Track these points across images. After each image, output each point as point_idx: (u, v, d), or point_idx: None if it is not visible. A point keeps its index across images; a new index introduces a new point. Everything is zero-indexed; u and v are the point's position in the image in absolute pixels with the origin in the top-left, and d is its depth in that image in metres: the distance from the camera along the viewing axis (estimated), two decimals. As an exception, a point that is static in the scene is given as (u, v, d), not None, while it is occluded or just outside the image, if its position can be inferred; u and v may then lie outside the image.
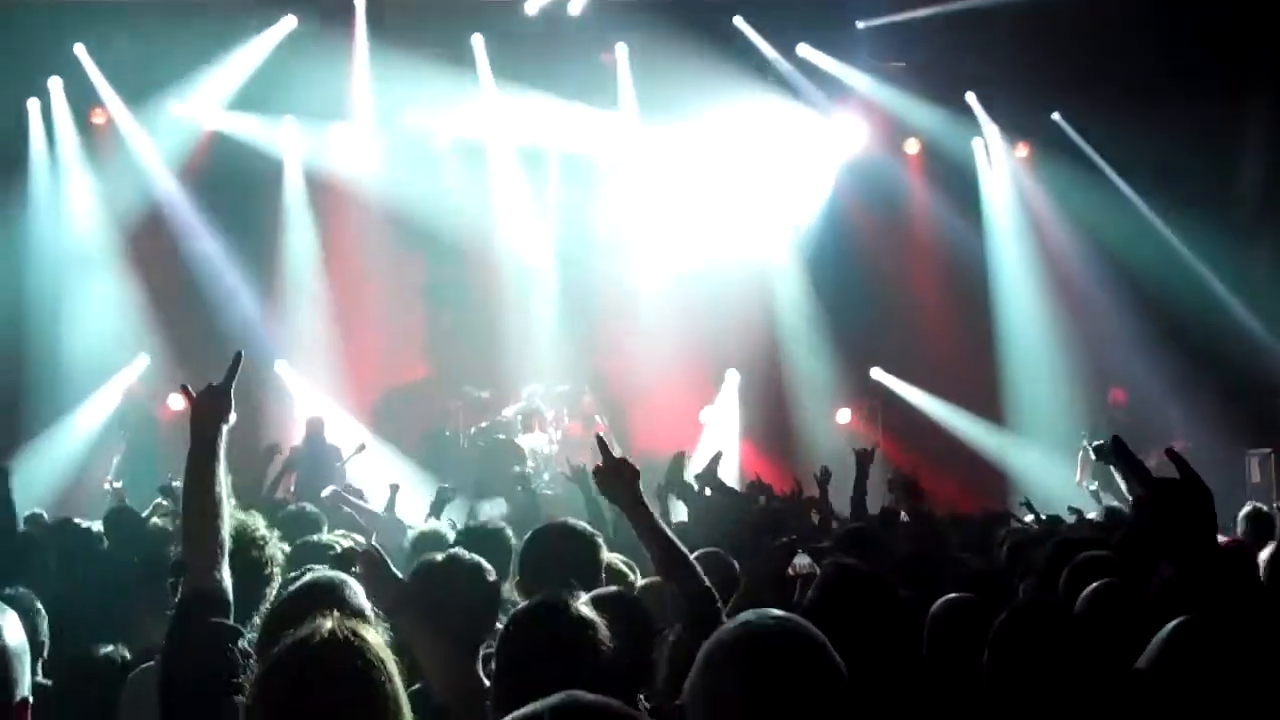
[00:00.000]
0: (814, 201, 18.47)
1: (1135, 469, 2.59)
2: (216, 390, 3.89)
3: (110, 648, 5.07)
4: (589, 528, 5.09)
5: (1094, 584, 4.27)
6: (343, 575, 3.93)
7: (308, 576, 3.73)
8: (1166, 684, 3.09)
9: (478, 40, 17.06)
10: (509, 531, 5.62)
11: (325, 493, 10.57)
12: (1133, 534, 5.79)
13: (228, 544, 3.72)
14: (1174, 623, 3.20)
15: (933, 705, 3.70)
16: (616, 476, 4.36)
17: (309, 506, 7.44)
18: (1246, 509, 8.54)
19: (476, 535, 5.59)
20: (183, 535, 3.80)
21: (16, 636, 2.53)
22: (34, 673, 4.34)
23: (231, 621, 3.60)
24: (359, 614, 3.49)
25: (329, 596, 3.54)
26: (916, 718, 3.50)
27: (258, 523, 4.44)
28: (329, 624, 2.60)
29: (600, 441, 4.50)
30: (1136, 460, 2.60)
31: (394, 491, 10.49)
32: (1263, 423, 15.93)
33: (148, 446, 14.84)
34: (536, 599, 3.41)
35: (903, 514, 7.04)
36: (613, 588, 4.35)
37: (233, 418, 3.89)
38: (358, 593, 3.74)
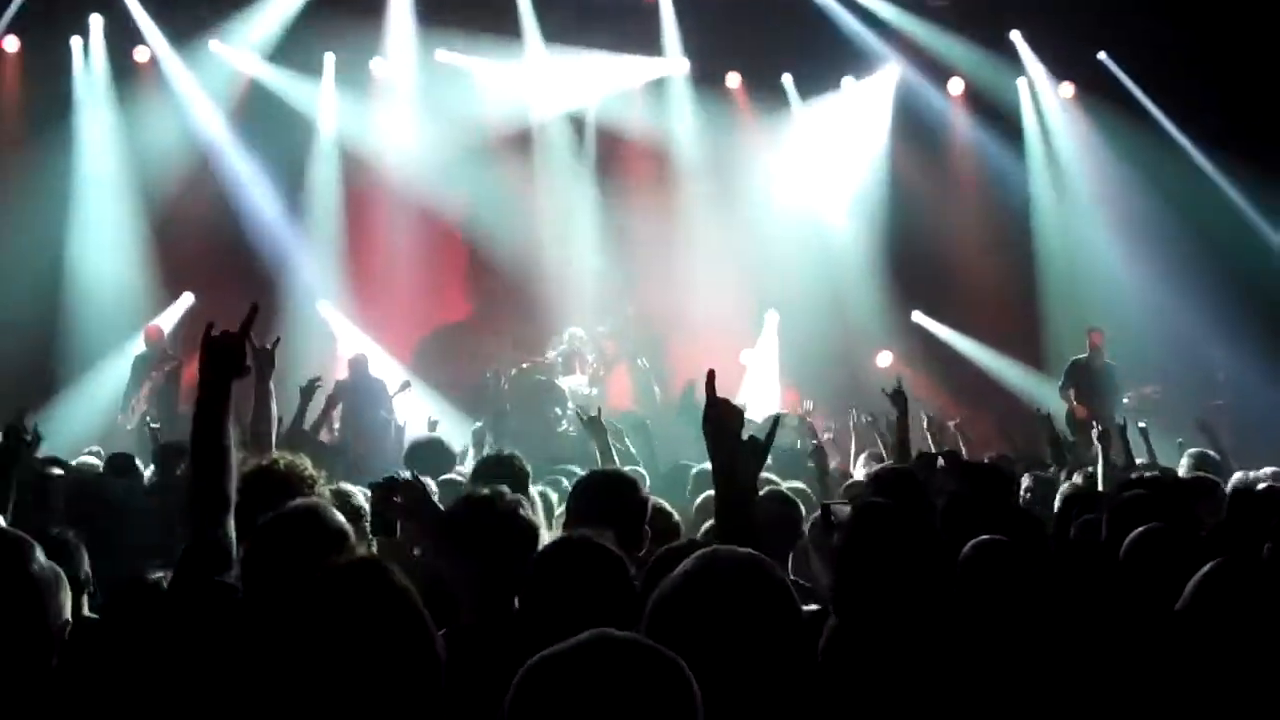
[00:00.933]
0: (861, 145, 18.33)
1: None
2: (230, 339, 3.73)
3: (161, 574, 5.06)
4: (632, 474, 5.16)
5: (1139, 528, 4.24)
6: (317, 501, 3.86)
7: (285, 507, 3.69)
8: (1201, 626, 3.10)
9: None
10: (520, 458, 5.76)
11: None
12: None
13: (234, 497, 3.64)
14: (1209, 565, 3.20)
15: (963, 643, 3.72)
16: (726, 420, 3.99)
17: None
18: None
19: (492, 462, 5.72)
20: (188, 486, 3.71)
21: (43, 566, 2.59)
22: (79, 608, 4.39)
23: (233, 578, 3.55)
24: (341, 534, 3.51)
25: (308, 520, 3.54)
26: (946, 655, 3.52)
27: (305, 463, 4.44)
28: (354, 553, 2.63)
29: (709, 381, 4.10)
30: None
31: (433, 428, 10.65)
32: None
33: (166, 390, 14.87)
34: (563, 536, 3.44)
35: (940, 460, 6.99)
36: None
37: (247, 368, 3.76)
38: (336, 515, 3.68)
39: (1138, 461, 9.25)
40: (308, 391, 8.64)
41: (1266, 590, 3.09)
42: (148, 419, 13.09)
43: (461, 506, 4.15)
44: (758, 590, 2.51)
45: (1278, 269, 16.55)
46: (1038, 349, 17.57)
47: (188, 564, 3.56)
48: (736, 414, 4.00)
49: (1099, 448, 8.26)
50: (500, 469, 5.51)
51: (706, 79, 17.85)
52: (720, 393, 3.95)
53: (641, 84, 17.92)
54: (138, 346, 15.30)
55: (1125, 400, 15.30)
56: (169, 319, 16.16)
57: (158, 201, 16.34)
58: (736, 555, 2.61)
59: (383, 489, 4.52)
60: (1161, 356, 16.04)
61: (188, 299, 16.40)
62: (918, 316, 17.97)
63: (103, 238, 16.23)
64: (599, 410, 8.28)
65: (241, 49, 16.62)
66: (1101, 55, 17.69)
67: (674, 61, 17.70)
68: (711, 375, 4.04)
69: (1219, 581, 3.15)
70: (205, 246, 16.51)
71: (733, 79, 18.03)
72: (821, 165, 18.37)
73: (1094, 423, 11.07)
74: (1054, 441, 9.42)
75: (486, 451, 8.67)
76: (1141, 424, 10.57)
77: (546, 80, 17.52)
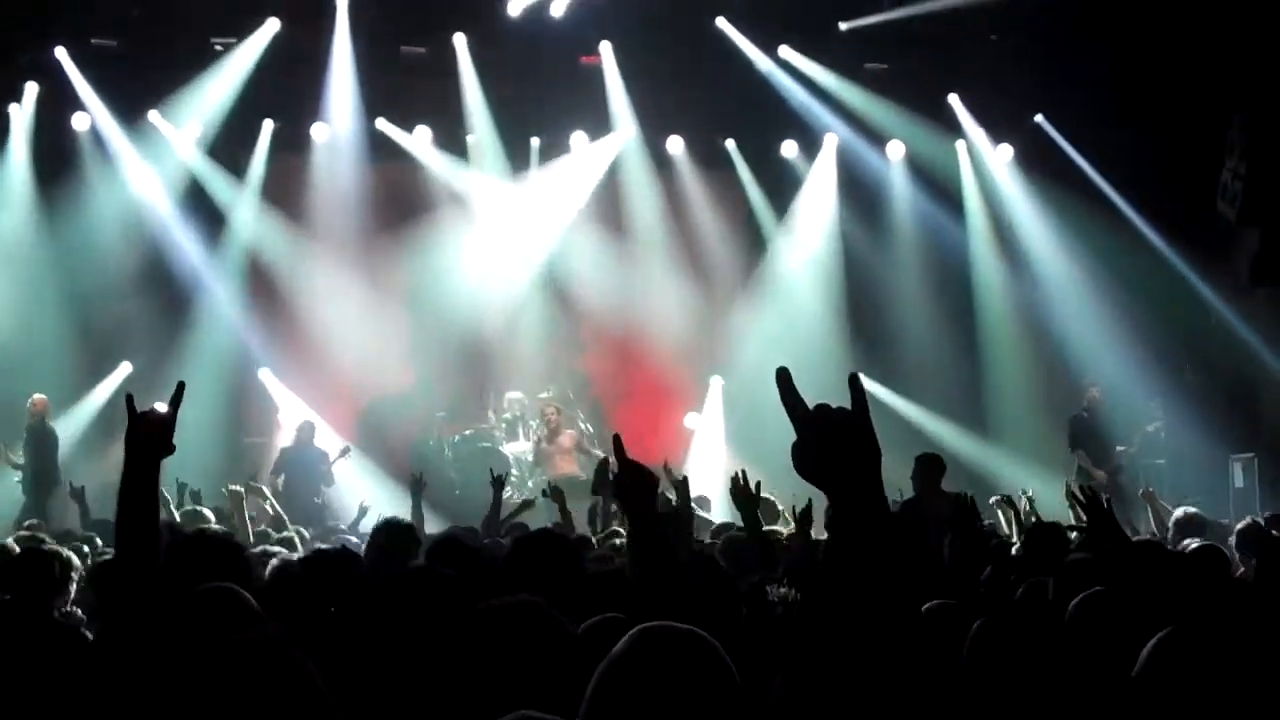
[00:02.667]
0: (806, 211, 18.44)
1: (793, 402, 2.56)
2: (159, 419, 3.70)
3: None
4: (565, 537, 5.14)
5: (1083, 593, 4.22)
6: (231, 584, 3.87)
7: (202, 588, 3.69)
8: (1157, 693, 3.07)
9: (460, 40, 17.01)
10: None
11: None
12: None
13: (158, 573, 3.59)
14: (1162, 632, 3.18)
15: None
16: (634, 482, 3.93)
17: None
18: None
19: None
20: (116, 563, 3.68)
21: None
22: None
23: None
24: (255, 615, 3.50)
25: (225, 601, 3.51)
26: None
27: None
28: (250, 634, 2.64)
29: (617, 447, 4.03)
30: (796, 396, 2.56)
31: (362, 514, 10.70)
32: (1246, 427, 15.94)
33: (51, 459, 14.75)
34: (496, 599, 3.38)
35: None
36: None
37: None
38: (248, 597, 3.71)
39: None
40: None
41: (1225, 657, 3.07)
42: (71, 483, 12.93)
43: (394, 582, 4.10)
44: (693, 668, 2.45)
45: (1212, 330, 16.70)
46: (978, 410, 17.64)
47: (108, 639, 3.51)
48: (648, 476, 3.95)
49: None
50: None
51: (649, 144, 17.91)
52: (662, 457, 3.91)
53: (587, 158, 17.95)
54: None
55: (1128, 448, 15.44)
56: (106, 389, 15.98)
57: (95, 270, 16.16)
58: (672, 631, 2.55)
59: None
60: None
61: (126, 368, 16.20)
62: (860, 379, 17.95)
63: (36, 308, 16.03)
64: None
65: (183, 118, 16.52)
66: (1039, 118, 17.90)
67: (621, 129, 17.73)
68: (618, 440, 4.00)
69: (1176, 647, 3.13)
70: (144, 316, 16.34)
71: (675, 144, 18.09)
72: (765, 231, 18.47)
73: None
74: (1015, 518, 9.32)
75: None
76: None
77: (489, 135, 17.49)
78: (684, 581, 4.05)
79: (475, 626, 3.20)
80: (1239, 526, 7.89)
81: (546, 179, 17.97)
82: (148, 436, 3.65)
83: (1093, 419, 15.66)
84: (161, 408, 3.74)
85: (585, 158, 17.90)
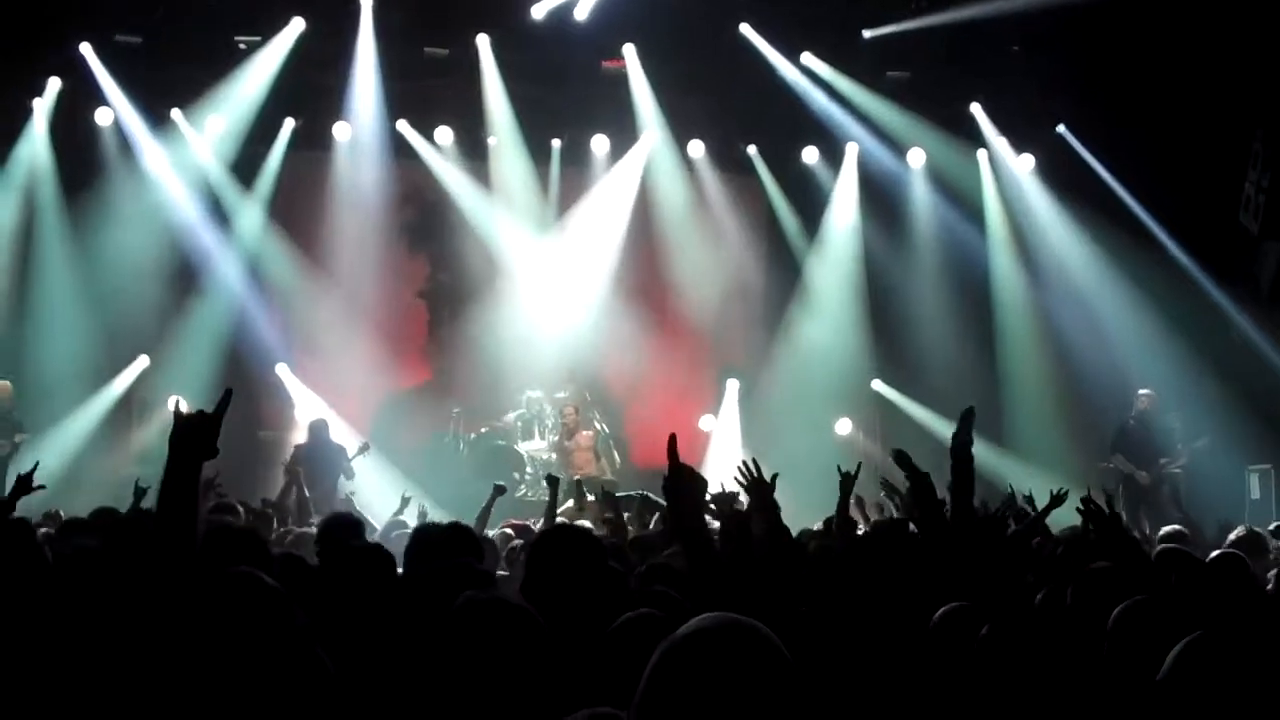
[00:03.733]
0: (827, 217, 18.46)
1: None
2: (205, 421, 3.75)
3: None
4: (590, 532, 5.13)
5: (1125, 602, 4.18)
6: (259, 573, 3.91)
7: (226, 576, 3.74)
8: (1184, 698, 3.07)
9: (483, 41, 17.03)
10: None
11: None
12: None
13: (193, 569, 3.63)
14: (1188, 638, 3.18)
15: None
16: (686, 486, 4.08)
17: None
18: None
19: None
20: (154, 555, 3.71)
21: None
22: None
23: None
24: (277, 594, 3.53)
25: (255, 594, 3.56)
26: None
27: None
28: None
29: (671, 448, 4.11)
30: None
31: (404, 504, 10.73)
32: (1264, 439, 15.86)
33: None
34: (470, 594, 3.38)
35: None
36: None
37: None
38: (269, 580, 3.73)
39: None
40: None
41: (1254, 662, 3.06)
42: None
43: (421, 578, 4.13)
44: (761, 657, 2.43)
45: (1232, 342, 16.63)
46: (995, 418, 17.56)
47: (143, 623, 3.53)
48: (698, 480, 3.98)
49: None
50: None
51: (671, 148, 17.91)
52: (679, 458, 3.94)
53: (616, 172, 17.97)
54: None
55: (1171, 461, 15.31)
56: (124, 381, 16.04)
57: (115, 264, 16.19)
58: (737, 620, 2.52)
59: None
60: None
61: (143, 361, 16.25)
62: (877, 385, 17.98)
63: (56, 299, 16.08)
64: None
65: (206, 114, 16.54)
66: (1060, 129, 17.86)
67: (644, 134, 17.74)
68: (673, 441, 4.04)
69: (1204, 653, 3.12)
70: (163, 309, 16.38)
71: (696, 148, 18.10)
72: (785, 236, 18.47)
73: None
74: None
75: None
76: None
77: (510, 135, 17.49)
78: (727, 581, 4.05)
79: (451, 621, 3.22)
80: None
81: (570, 184, 18.01)
82: (192, 439, 3.71)
83: (1139, 427, 15.48)
84: (176, 405, 3.79)
85: (614, 173, 17.93)
